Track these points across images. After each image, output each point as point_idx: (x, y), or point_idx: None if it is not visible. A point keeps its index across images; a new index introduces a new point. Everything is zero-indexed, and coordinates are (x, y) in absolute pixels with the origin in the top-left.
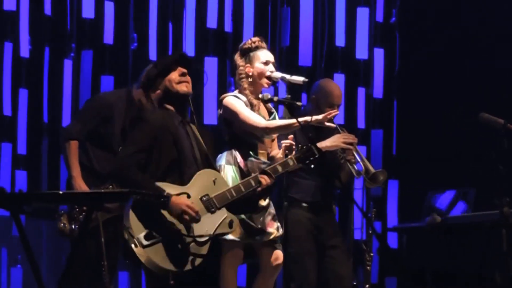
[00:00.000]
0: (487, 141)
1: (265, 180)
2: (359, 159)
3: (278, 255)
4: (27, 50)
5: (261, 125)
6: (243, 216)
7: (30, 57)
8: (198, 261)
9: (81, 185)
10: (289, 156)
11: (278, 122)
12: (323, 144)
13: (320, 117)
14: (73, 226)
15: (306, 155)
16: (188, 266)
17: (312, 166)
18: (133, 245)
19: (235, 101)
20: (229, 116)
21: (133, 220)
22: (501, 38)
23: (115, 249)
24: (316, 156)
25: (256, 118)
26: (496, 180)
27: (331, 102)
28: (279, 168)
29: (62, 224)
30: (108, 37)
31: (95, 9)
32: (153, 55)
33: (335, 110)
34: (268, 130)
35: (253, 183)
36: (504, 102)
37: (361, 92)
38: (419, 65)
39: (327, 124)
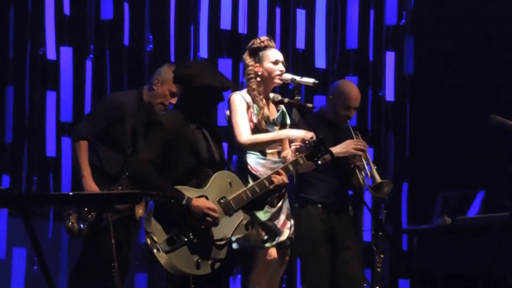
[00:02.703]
0: (498, 143)
1: (277, 179)
2: (367, 167)
3: (272, 252)
4: (54, 52)
5: (242, 139)
6: (264, 219)
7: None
8: (217, 264)
9: (91, 185)
10: (299, 155)
11: (261, 137)
12: (334, 150)
13: (339, 150)
14: (81, 226)
15: (315, 152)
16: (208, 270)
17: (320, 162)
18: (155, 250)
19: (237, 101)
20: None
21: (155, 225)
22: None
23: (128, 250)
24: (323, 152)
25: (243, 129)
26: (507, 181)
27: (348, 104)
28: (290, 167)
29: (70, 224)
30: (125, 38)
31: (113, 11)
32: (168, 56)
33: (361, 141)
34: (245, 146)
35: (266, 184)
36: None
37: (372, 94)
38: (431, 67)
39: (353, 151)
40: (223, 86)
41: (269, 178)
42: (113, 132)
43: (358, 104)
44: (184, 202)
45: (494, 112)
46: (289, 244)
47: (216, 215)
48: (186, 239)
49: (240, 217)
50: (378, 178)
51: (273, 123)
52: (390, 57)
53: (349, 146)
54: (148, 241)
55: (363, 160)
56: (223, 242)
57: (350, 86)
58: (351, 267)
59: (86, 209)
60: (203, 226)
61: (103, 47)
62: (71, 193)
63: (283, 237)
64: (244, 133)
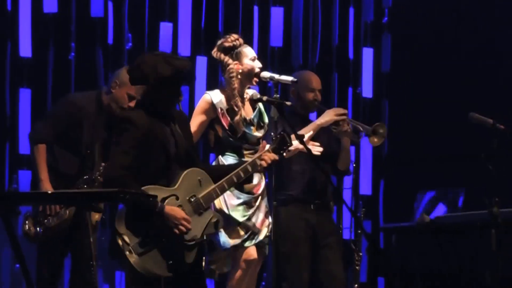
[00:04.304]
0: (476, 141)
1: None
2: (354, 124)
3: (252, 252)
4: (29, 49)
5: None
6: (241, 220)
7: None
8: (187, 265)
9: (48, 189)
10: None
11: None
12: (317, 122)
13: (323, 120)
14: (38, 229)
15: (281, 144)
16: (180, 271)
17: (284, 154)
18: (127, 252)
19: (200, 102)
20: None
21: (127, 226)
22: (493, 38)
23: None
24: (288, 145)
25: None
26: (486, 180)
27: (311, 87)
28: (249, 168)
29: (27, 227)
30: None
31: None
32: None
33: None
34: None
35: (235, 179)
36: (494, 102)
37: (350, 91)
38: (409, 65)
39: (336, 117)
40: (177, 70)
41: (237, 174)
42: (71, 134)
43: (320, 86)
44: (157, 209)
45: (473, 110)
46: (267, 243)
47: (189, 226)
48: (158, 242)
49: (210, 215)
50: (369, 127)
51: (250, 123)
52: (368, 54)
53: (330, 114)
54: (120, 242)
55: (348, 122)
56: (193, 243)
57: (308, 72)
58: (332, 265)
59: (42, 212)
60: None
61: (88, 45)
62: (49, 192)
63: (261, 235)
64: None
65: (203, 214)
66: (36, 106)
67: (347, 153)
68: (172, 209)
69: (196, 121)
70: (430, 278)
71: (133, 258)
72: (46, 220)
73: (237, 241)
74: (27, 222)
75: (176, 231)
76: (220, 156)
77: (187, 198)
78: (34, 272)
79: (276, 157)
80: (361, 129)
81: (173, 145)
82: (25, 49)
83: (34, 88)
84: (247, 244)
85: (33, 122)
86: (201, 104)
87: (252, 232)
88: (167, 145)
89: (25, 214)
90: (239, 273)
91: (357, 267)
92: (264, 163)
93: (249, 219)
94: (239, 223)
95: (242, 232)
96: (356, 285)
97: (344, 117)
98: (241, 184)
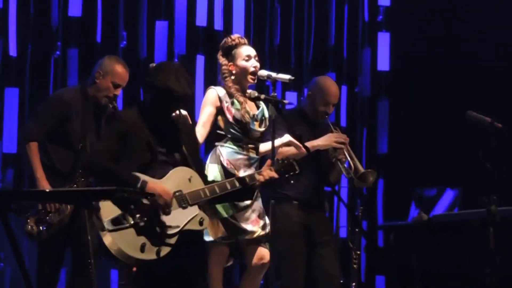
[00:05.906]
0: (475, 140)
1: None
2: (349, 159)
3: (264, 254)
4: (15, 48)
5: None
6: (226, 215)
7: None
8: (164, 251)
9: (45, 187)
10: (264, 168)
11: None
12: (315, 143)
13: (321, 143)
14: (41, 228)
15: (287, 169)
16: (153, 256)
17: (292, 182)
18: (100, 230)
19: (207, 95)
20: None
21: (103, 204)
22: (490, 38)
23: (86, 239)
24: (297, 172)
25: (199, 128)
26: (483, 178)
27: (327, 100)
28: (247, 179)
29: (29, 227)
30: (97, 35)
31: (82, 7)
32: (143, 53)
33: (342, 135)
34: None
35: (228, 186)
36: (493, 101)
37: (348, 90)
38: (409, 63)
39: (334, 144)
40: (178, 91)
41: (232, 182)
42: (61, 130)
43: (337, 100)
44: (138, 185)
45: (471, 109)
46: (265, 241)
47: (168, 199)
48: (133, 221)
49: (195, 212)
50: (361, 169)
51: (254, 119)
52: (366, 54)
53: (330, 139)
54: (94, 219)
55: (345, 152)
56: (173, 231)
57: (329, 82)
58: (328, 264)
59: (43, 210)
60: (153, 209)
61: (72, 44)
62: (47, 190)
63: (254, 235)
64: (199, 135)
65: (188, 209)
66: (23, 106)
67: (339, 173)
68: (154, 182)
69: (206, 112)
70: (428, 277)
71: (104, 235)
72: (48, 217)
73: (215, 235)
74: (28, 221)
75: (155, 203)
76: (218, 147)
77: (172, 191)
78: (32, 271)
79: (275, 175)
80: (352, 166)
81: (163, 151)
82: (13, 48)
83: (21, 87)
84: (225, 241)
85: (20, 121)
86: (208, 97)
87: (234, 231)
88: (154, 147)
89: (26, 214)
90: (249, 276)
91: (355, 266)
92: (262, 178)
93: (233, 216)
94: (222, 219)
95: (222, 229)
96: (354, 284)
97: (342, 146)
98: (237, 198)
